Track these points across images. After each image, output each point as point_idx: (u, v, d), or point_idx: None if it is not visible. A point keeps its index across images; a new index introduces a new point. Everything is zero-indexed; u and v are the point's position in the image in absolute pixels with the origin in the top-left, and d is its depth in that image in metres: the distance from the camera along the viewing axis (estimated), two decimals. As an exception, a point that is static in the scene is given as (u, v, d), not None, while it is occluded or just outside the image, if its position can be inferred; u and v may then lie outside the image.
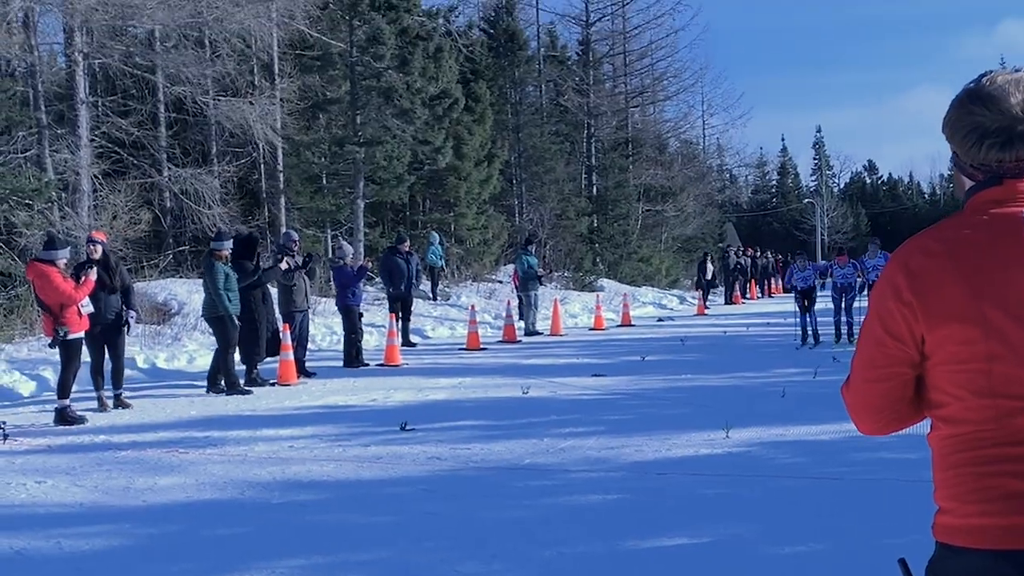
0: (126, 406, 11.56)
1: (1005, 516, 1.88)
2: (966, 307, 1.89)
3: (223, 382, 12.74)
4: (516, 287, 23.15)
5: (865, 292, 16.98)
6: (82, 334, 10.85)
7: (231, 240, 13.27)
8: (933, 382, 1.99)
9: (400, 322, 18.36)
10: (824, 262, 17.96)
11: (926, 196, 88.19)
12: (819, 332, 18.02)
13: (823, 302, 18.63)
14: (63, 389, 10.71)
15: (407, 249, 18.93)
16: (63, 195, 19.91)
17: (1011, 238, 1.92)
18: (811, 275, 18.30)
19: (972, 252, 1.92)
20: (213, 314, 12.79)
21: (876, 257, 17.22)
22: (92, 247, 11.40)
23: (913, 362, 2.00)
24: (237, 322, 12.71)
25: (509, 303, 22.02)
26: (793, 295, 18.66)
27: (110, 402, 11.51)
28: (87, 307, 10.79)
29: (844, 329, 17.67)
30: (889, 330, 1.99)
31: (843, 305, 17.69)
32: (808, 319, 17.92)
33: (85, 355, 11.25)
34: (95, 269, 11.06)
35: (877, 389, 2.06)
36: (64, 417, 10.56)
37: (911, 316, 1.95)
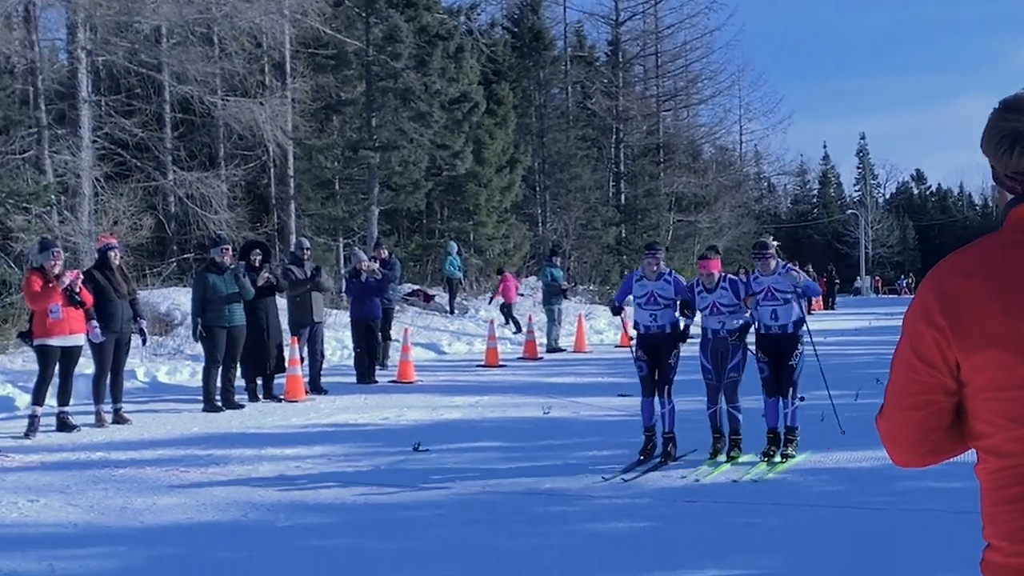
0: (125, 421, 11.60)
1: None
2: (1003, 331, 1.85)
3: (219, 398, 12.83)
4: (494, 298, 23.05)
5: (751, 344, 9.13)
6: (51, 341, 10.84)
7: (222, 246, 13.24)
8: (973, 411, 1.95)
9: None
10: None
11: (978, 208, 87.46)
12: (676, 436, 9.14)
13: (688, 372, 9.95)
14: (35, 395, 10.92)
15: (384, 255, 17.79)
16: (62, 199, 20.06)
17: None
18: (671, 303, 9.31)
19: (1009, 273, 1.88)
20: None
21: (769, 273, 9.22)
22: (112, 253, 11.77)
23: (948, 389, 1.95)
24: (202, 333, 12.70)
25: (531, 318, 22.00)
26: (632, 350, 9.49)
27: (108, 417, 11.55)
28: (55, 314, 10.83)
29: (726, 427, 9.12)
30: (920, 355, 1.95)
31: (720, 380, 9.08)
32: (659, 407, 9.21)
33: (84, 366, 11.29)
34: (66, 277, 10.88)
35: (911, 418, 2.02)
36: (30, 424, 10.74)
37: (943, 341, 1.91)
